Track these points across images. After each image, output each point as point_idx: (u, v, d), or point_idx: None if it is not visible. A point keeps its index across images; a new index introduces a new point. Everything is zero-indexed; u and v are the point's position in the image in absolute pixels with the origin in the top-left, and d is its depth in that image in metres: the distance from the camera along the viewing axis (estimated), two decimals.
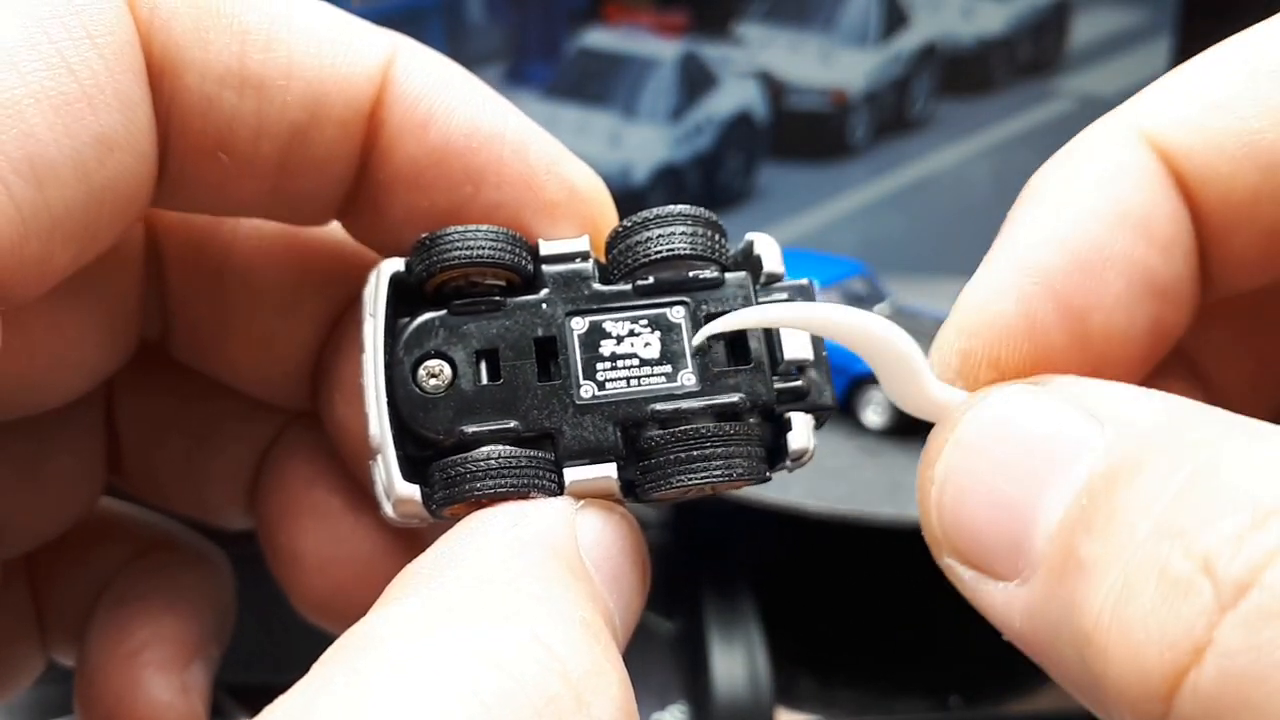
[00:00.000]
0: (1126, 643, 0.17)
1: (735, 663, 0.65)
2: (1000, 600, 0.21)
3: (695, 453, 0.24)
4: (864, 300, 0.86)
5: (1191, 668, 0.17)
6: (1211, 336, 0.28)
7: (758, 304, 0.26)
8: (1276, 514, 0.17)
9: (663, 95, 1.10)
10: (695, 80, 1.11)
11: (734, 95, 1.13)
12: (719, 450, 0.24)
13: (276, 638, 0.37)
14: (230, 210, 0.28)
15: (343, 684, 0.18)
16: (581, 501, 0.24)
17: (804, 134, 1.14)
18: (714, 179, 1.12)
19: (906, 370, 0.23)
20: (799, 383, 0.25)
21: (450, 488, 0.23)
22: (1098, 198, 0.23)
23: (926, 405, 0.23)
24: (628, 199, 1.18)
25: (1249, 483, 0.17)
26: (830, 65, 1.16)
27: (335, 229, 0.30)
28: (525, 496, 0.23)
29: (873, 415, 0.78)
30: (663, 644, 0.68)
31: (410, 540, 0.32)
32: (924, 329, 0.25)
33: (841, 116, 1.15)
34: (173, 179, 0.25)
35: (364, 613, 0.31)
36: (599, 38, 1.09)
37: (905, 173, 1.17)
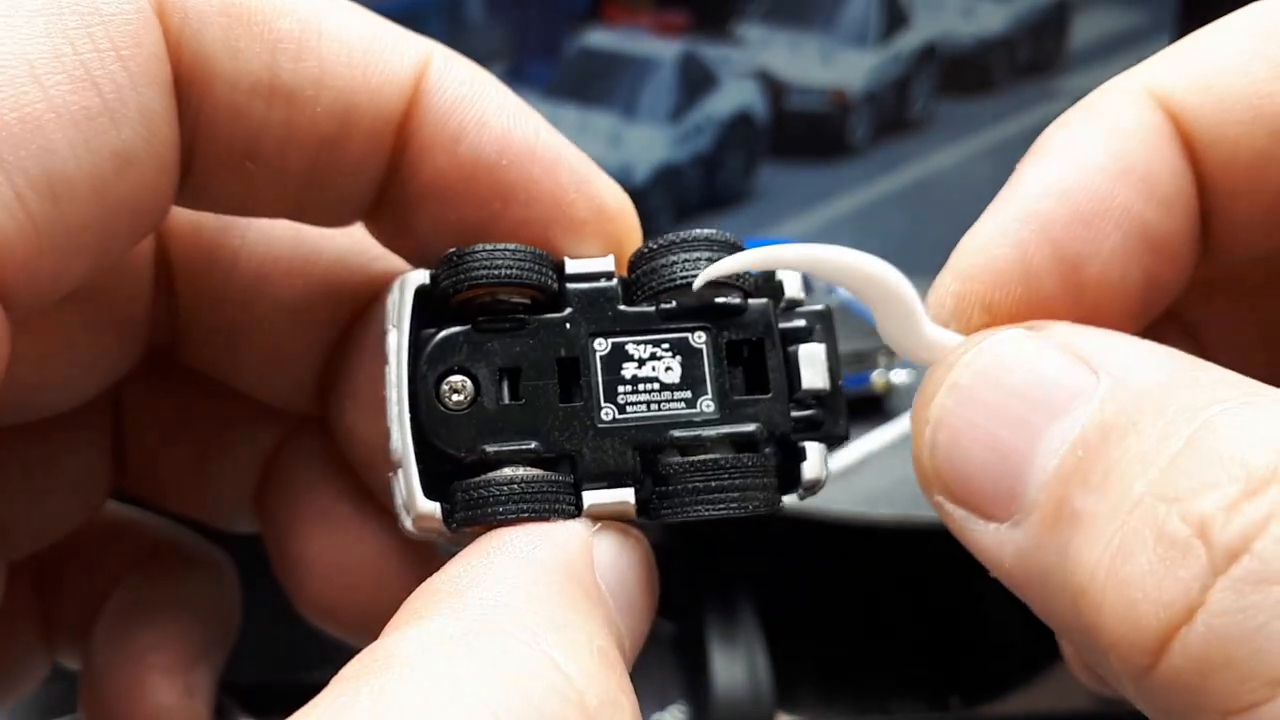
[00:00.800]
0: (1123, 599, 0.18)
1: (735, 663, 0.65)
2: (991, 540, 0.21)
3: (713, 483, 0.24)
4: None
5: (1183, 625, 0.18)
6: (1213, 303, 0.28)
7: (778, 323, 0.26)
8: (1269, 483, 0.17)
9: (663, 95, 1.10)
10: (695, 80, 1.11)
11: (734, 95, 1.13)
12: (736, 482, 0.24)
13: (275, 638, 0.37)
14: (254, 213, 0.28)
15: (367, 703, 0.18)
16: (598, 524, 0.24)
17: (804, 134, 1.14)
18: (714, 179, 1.12)
19: (902, 311, 0.24)
20: (814, 412, 0.26)
21: (472, 509, 0.24)
22: (1102, 152, 0.23)
23: (921, 347, 0.24)
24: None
25: (1244, 449, 0.18)
26: (830, 65, 1.16)
27: (346, 235, 0.30)
28: (545, 521, 0.24)
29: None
30: (663, 644, 0.68)
31: (417, 547, 0.32)
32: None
33: (841, 116, 1.15)
34: (196, 186, 0.25)
35: (369, 618, 0.31)
36: (599, 38, 1.09)
37: (905, 173, 1.17)
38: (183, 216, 0.29)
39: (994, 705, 0.69)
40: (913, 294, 0.24)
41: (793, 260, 0.24)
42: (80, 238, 0.22)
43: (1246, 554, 0.17)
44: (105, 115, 0.22)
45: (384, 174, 0.26)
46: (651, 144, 1.09)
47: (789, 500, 0.26)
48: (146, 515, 0.35)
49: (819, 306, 0.27)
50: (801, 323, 0.26)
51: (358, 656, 0.20)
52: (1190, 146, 0.24)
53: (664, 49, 1.10)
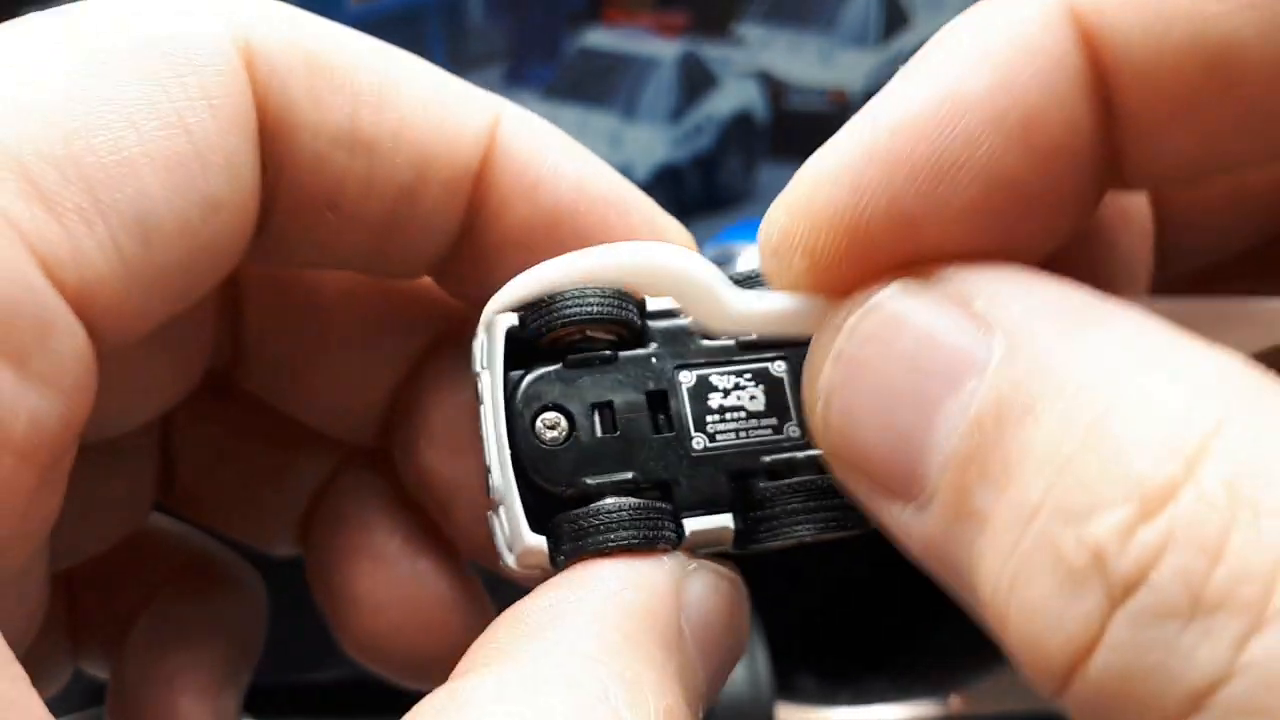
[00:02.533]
0: (1026, 627, 0.18)
1: (736, 671, 0.65)
2: (898, 522, 0.20)
3: (812, 504, 0.25)
4: None
5: (1085, 658, 0.17)
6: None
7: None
8: (1165, 501, 0.16)
9: (663, 95, 1.10)
10: (695, 80, 1.11)
11: (734, 95, 1.13)
12: (833, 502, 0.25)
13: (275, 637, 0.37)
14: (331, 263, 0.28)
15: None
16: (694, 564, 0.24)
17: (804, 134, 1.14)
18: (714, 179, 1.12)
19: (698, 291, 0.23)
20: None
21: (579, 539, 0.24)
22: (981, 81, 0.20)
23: (729, 322, 0.23)
24: None
25: (1143, 458, 0.16)
26: (830, 65, 1.16)
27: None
28: (653, 548, 0.24)
29: None
30: None
31: (468, 587, 0.32)
32: None
33: (841, 116, 1.15)
34: (277, 234, 0.26)
35: (415, 657, 0.32)
36: (599, 38, 1.09)
37: None
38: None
39: (994, 705, 0.69)
40: (698, 268, 0.23)
41: (561, 277, 0.25)
42: (165, 279, 0.23)
43: (1143, 586, 0.16)
44: (195, 160, 0.23)
45: (460, 226, 0.27)
46: (651, 144, 1.09)
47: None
48: (180, 526, 0.35)
49: None
50: None
51: (433, 693, 0.20)
52: (1105, 76, 0.20)
53: (664, 49, 1.10)
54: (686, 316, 0.26)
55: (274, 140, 0.25)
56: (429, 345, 0.31)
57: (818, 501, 0.25)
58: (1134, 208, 0.26)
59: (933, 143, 0.20)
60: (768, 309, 0.23)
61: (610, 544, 0.24)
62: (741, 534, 0.25)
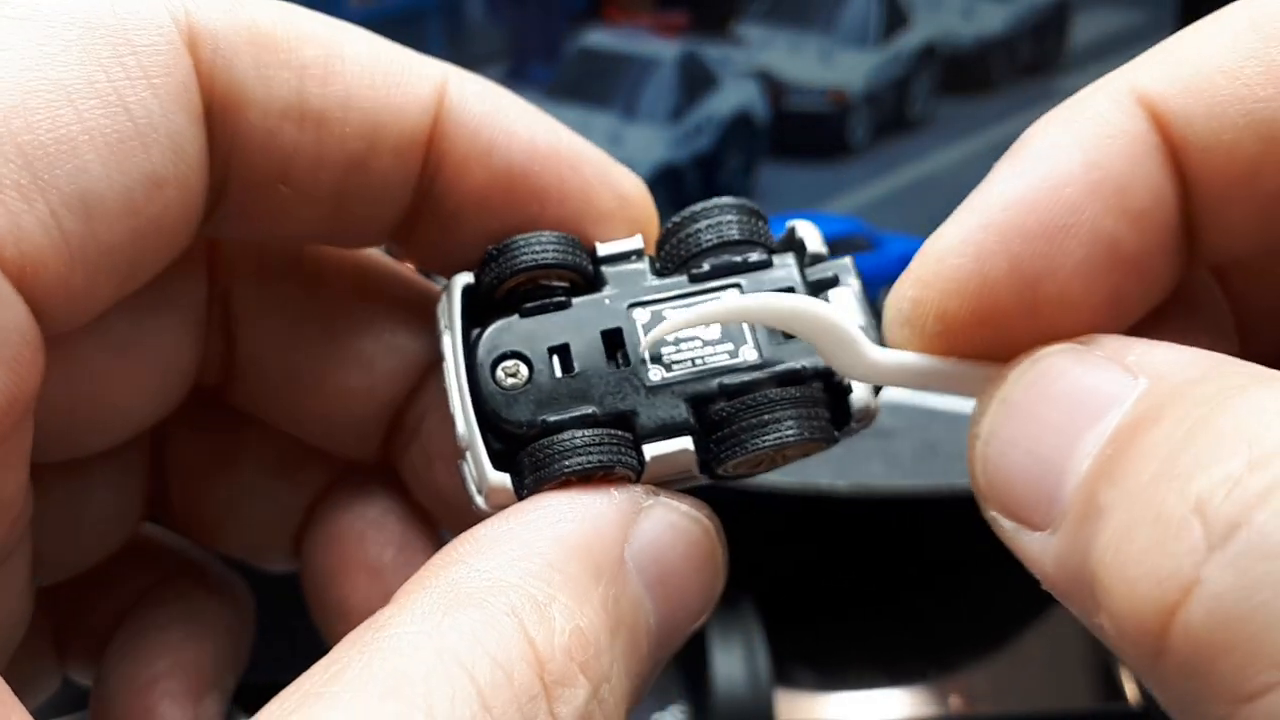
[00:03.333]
0: (1122, 580, 0.18)
1: (735, 663, 0.65)
2: (1036, 550, 0.21)
3: (765, 416, 0.25)
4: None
5: (1181, 606, 0.17)
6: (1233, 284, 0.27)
7: (805, 275, 0.27)
8: (1273, 456, 0.17)
9: (663, 95, 1.10)
10: (695, 80, 1.11)
11: (734, 95, 1.13)
12: (788, 412, 0.25)
13: (274, 637, 0.37)
14: (288, 236, 0.28)
15: (353, 674, 0.20)
16: (651, 500, 0.24)
17: (804, 134, 1.14)
18: (714, 179, 1.12)
19: (843, 342, 0.24)
20: None
21: (540, 469, 0.25)
22: (1075, 160, 0.23)
23: (868, 370, 0.24)
24: None
25: (1251, 428, 0.17)
26: (830, 65, 1.16)
27: (419, 288, 0.31)
28: (611, 471, 0.25)
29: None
30: None
31: None
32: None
33: (841, 116, 1.15)
34: (232, 210, 0.26)
35: None
36: (599, 38, 1.09)
37: (905, 173, 1.17)
38: (248, 260, 0.30)
39: (994, 705, 0.69)
40: (848, 323, 0.24)
41: (728, 313, 0.25)
42: (111, 257, 0.23)
43: (1245, 527, 0.16)
44: (136, 139, 0.23)
45: (413, 192, 0.27)
46: (651, 144, 1.09)
47: (844, 434, 0.26)
48: (167, 535, 0.35)
49: (843, 259, 0.27)
50: (829, 273, 0.27)
51: (360, 625, 0.21)
52: (1176, 153, 0.23)
53: (664, 49, 1.10)
54: (642, 259, 0.27)
55: (222, 117, 0.25)
56: (432, 362, 0.31)
57: (774, 413, 0.25)
58: (1215, 300, 0.27)
59: (1041, 212, 0.22)
60: (903, 362, 0.24)
61: (567, 469, 0.24)
62: (705, 458, 0.26)
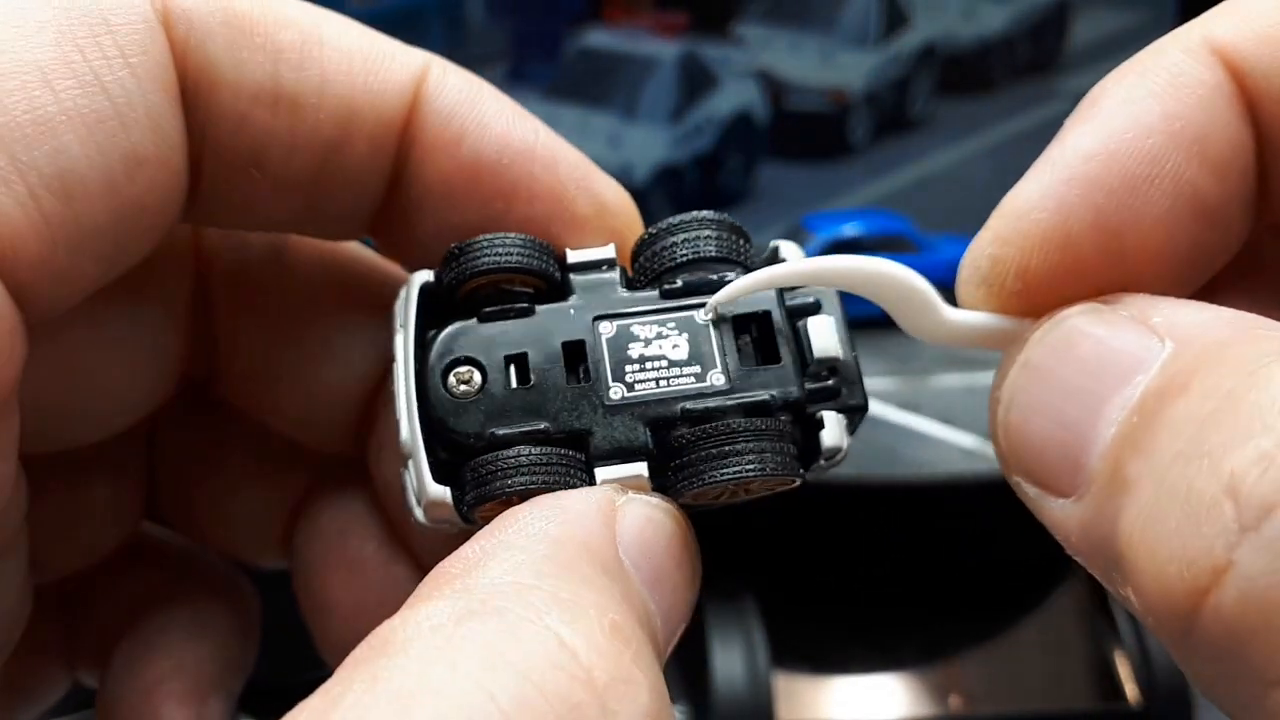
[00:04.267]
0: (1152, 561, 0.18)
1: (735, 663, 0.65)
2: (1059, 516, 0.21)
3: (726, 448, 0.23)
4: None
5: (1212, 589, 0.17)
6: None
7: (783, 300, 0.26)
8: None
9: (663, 95, 1.10)
10: (695, 80, 1.11)
11: (734, 95, 1.13)
12: (750, 445, 0.23)
13: (276, 638, 0.37)
14: (263, 225, 0.28)
15: (360, 691, 0.17)
16: (626, 494, 0.23)
17: (804, 134, 1.14)
18: (714, 179, 1.12)
19: (918, 303, 0.24)
20: (830, 383, 0.25)
21: (481, 486, 0.23)
22: (1155, 112, 0.22)
23: (942, 332, 0.24)
24: None
25: None
26: (830, 65, 1.16)
27: (390, 276, 0.30)
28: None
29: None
30: None
31: None
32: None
33: (841, 116, 1.15)
34: (206, 195, 0.26)
35: None
36: (599, 38, 1.09)
37: (905, 173, 1.17)
38: (228, 253, 0.30)
39: (994, 705, 0.69)
40: (924, 284, 0.24)
41: (802, 274, 0.24)
42: (92, 239, 0.23)
43: (1278, 510, 0.16)
44: (115, 118, 0.22)
45: (388, 180, 0.27)
46: (651, 144, 1.09)
47: (811, 474, 0.25)
48: (173, 536, 0.35)
49: (825, 289, 0.26)
50: (809, 299, 0.26)
51: (363, 641, 0.19)
52: (1251, 104, 0.22)
53: (664, 49, 1.10)
54: (614, 269, 0.26)
55: (195, 99, 0.24)
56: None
57: (735, 445, 0.23)
58: (1277, 258, 0.27)
59: (1124, 163, 0.22)
60: (981, 323, 0.23)
61: (509, 488, 0.23)
62: (661, 486, 0.24)
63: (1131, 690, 0.67)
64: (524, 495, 0.23)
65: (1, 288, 0.21)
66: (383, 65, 0.26)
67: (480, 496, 0.23)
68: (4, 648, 0.27)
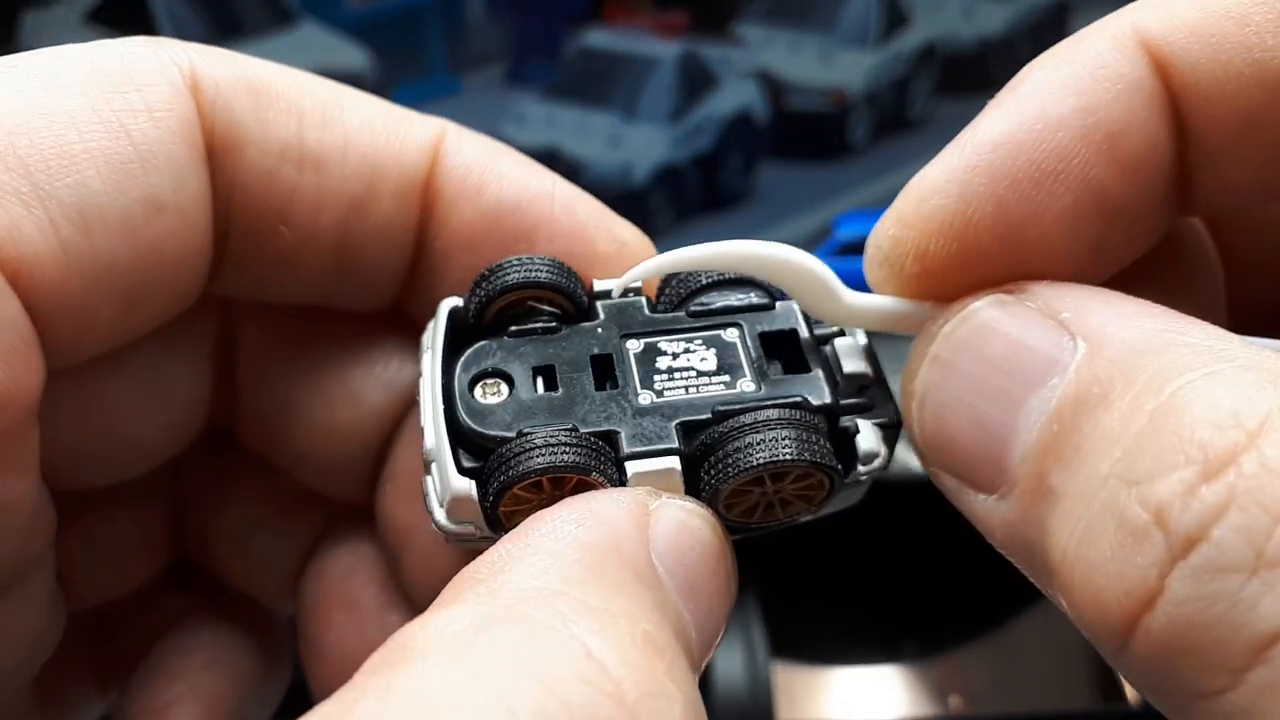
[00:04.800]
0: (1088, 585, 0.18)
1: (735, 662, 0.65)
2: (982, 511, 0.21)
3: (760, 435, 0.23)
4: None
5: (1145, 612, 0.17)
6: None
7: (812, 325, 0.26)
8: (1226, 465, 0.17)
9: (663, 95, 1.10)
10: (695, 80, 1.11)
11: (734, 95, 1.13)
12: (785, 432, 0.23)
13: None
14: (296, 289, 0.29)
15: (372, 700, 0.17)
16: (660, 498, 0.22)
17: (804, 134, 1.15)
18: (714, 179, 1.12)
19: (816, 286, 0.24)
20: (862, 399, 0.25)
21: (506, 471, 0.23)
22: (1067, 105, 0.22)
23: (842, 314, 0.24)
24: (628, 199, 1.17)
25: (1206, 428, 0.17)
26: (830, 65, 1.16)
27: (408, 327, 0.31)
28: (587, 475, 0.22)
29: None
30: None
31: None
32: None
33: (841, 116, 1.15)
34: (235, 255, 0.27)
35: None
36: (599, 38, 1.09)
37: (905, 173, 1.17)
38: (252, 306, 0.30)
39: (994, 705, 0.69)
40: (823, 268, 0.24)
41: (706, 258, 0.24)
42: (108, 274, 0.23)
43: (1204, 541, 0.17)
44: (136, 162, 0.24)
45: (414, 237, 0.28)
46: (651, 144, 1.09)
47: (850, 480, 0.25)
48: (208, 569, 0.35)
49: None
50: (834, 328, 0.26)
51: (383, 645, 0.19)
52: (1176, 99, 0.22)
53: (664, 49, 1.10)
54: (639, 296, 0.26)
55: (222, 158, 0.25)
56: (411, 401, 0.31)
57: (771, 431, 0.23)
58: (1205, 251, 0.27)
59: (1031, 155, 0.22)
60: (878, 306, 0.24)
61: (536, 468, 0.22)
62: (697, 490, 0.24)
63: (1131, 690, 0.67)
64: (552, 477, 0.22)
65: (18, 302, 0.22)
66: (403, 126, 0.27)
67: (505, 482, 0.22)
68: (32, 664, 0.28)
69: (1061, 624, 0.78)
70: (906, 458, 0.80)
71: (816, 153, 1.16)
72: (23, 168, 0.22)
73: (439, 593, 0.29)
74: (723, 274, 0.26)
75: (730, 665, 0.65)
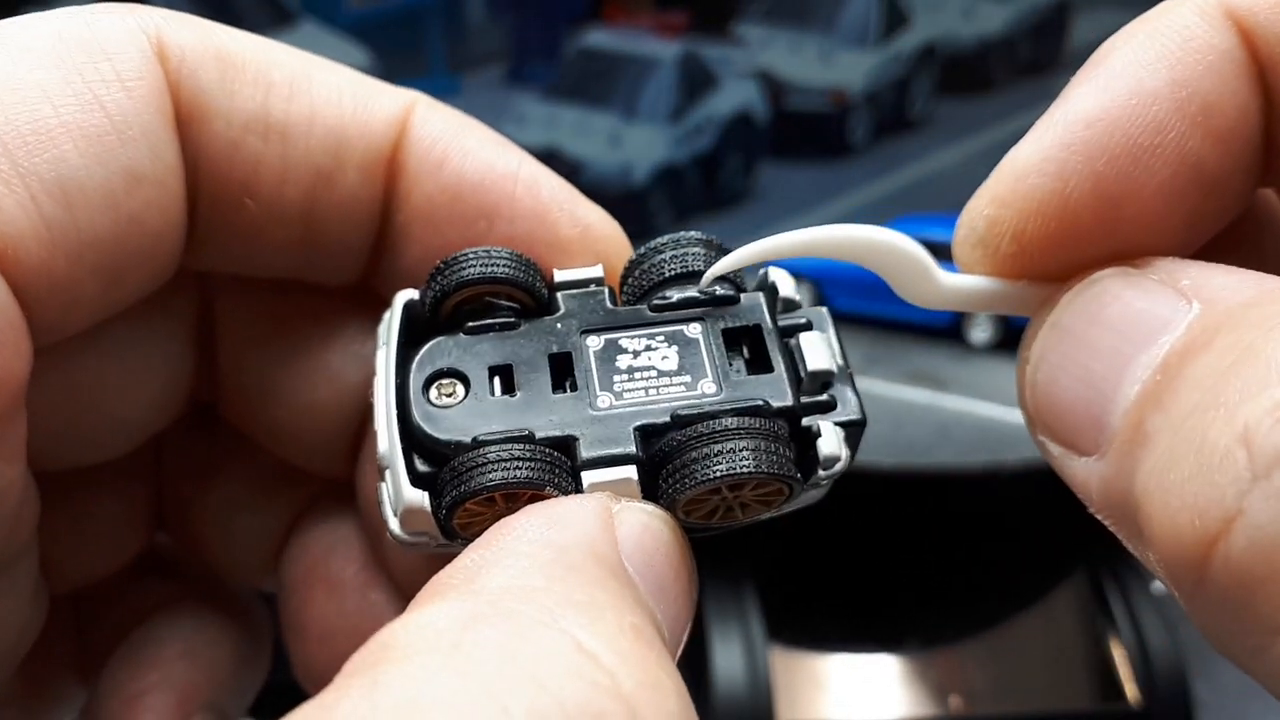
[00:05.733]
0: (1164, 510, 0.18)
1: (735, 662, 0.65)
2: (1082, 475, 0.21)
3: (718, 445, 0.23)
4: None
5: (1222, 537, 0.17)
6: None
7: (776, 319, 0.26)
8: None
9: (663, 95, 1.10)
10: (695, 80, 1.11)
11: (734, 95, 1.13)
12: (744, 442, 0.23)
13: (276, 638, 0.37)
14: (264, 263, 0.28)
15: (354, 700, 0.16)
16: (620, 502, 0.22)
17: (804, 134, 1.15)
18: (714, 179, 1.12)
19: (913, 268, 0.24)
20: (826, 397, 0.25)
21: (460, 485, 0.22)
22: (1162, 78, 0.22)
23: (937, 296, 0.24)
24: (628, 199, 1.17)
25: None
26: (830, 65, 1.16)
27: (385, 302, 0.31)
28: (541, 490, 0.22)
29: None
30: None
31: None
32: None
33: (841, 116, 1.16)
34: (202, 228, 0.26)
35: None
36: (599, 38, 1.09)
37: (905, 173, 1.17)
38: (231, 280, 0.30)
39: (994, 705, 0.69)
40: (919, 249, 0.24)
41: (797, 245, 0.24)
42: (93, 249, 0.23)
43: None
44: (113, 134, 0.23)
45: (379, 211, 0.27)
46: (651, 144, 1.09)
47: (810, 484, 0.24)
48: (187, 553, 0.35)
49: (819, 308, 0.26)
50: (801, 319, 0.25)
51: (363, 646, 0.18)
52: (1263, 69, 0.22)
53: (664, 49, 1.10)
54: (601, 287, 0.25)
55: (189, 127, 0.25)
56: None
57: (728, 442, 0.23)
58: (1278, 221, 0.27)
59: (1127, 130, 0.22)
60: (975, 286, 0.23)
61: (490, 484, 0.22)
62: (654, 496, 0.23)
63: (1131, 690, 0.67)
64: (506, 493, 0.22)
65: (5, 286, 0.22)
66: (371, 99, 0.27)
67: (459, 497, 0.22)
68: (16, 654, 0.28)
69: (1061, 624, 0.78)
70: (907, 457, 0.80)
71: (816, 153, 1.16)
72: (0, 146, 0.22)
73: (419, 571, 0.28)
74: (686, 267, 0.25)
75: (730, 662, 0.65)
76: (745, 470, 0.22)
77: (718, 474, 0.22)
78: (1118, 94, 0.22)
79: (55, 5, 0.25)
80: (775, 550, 0.71)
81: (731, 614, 0.67)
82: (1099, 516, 0.21)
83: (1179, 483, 0.17)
